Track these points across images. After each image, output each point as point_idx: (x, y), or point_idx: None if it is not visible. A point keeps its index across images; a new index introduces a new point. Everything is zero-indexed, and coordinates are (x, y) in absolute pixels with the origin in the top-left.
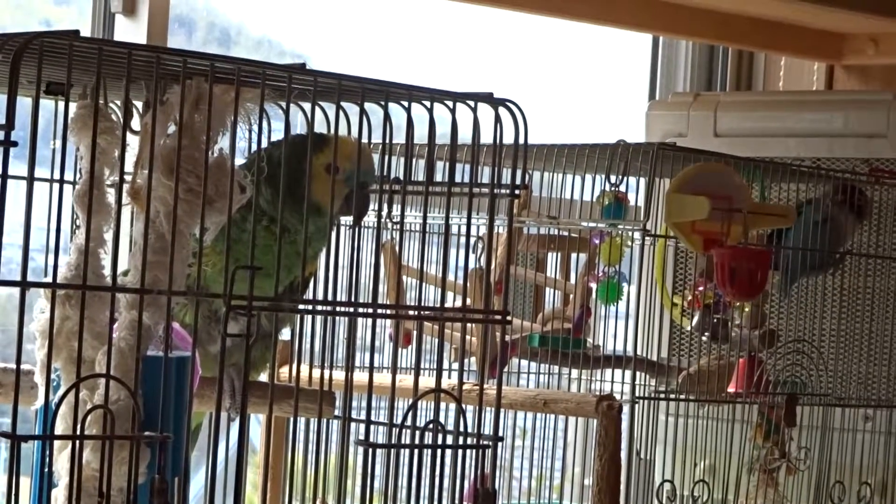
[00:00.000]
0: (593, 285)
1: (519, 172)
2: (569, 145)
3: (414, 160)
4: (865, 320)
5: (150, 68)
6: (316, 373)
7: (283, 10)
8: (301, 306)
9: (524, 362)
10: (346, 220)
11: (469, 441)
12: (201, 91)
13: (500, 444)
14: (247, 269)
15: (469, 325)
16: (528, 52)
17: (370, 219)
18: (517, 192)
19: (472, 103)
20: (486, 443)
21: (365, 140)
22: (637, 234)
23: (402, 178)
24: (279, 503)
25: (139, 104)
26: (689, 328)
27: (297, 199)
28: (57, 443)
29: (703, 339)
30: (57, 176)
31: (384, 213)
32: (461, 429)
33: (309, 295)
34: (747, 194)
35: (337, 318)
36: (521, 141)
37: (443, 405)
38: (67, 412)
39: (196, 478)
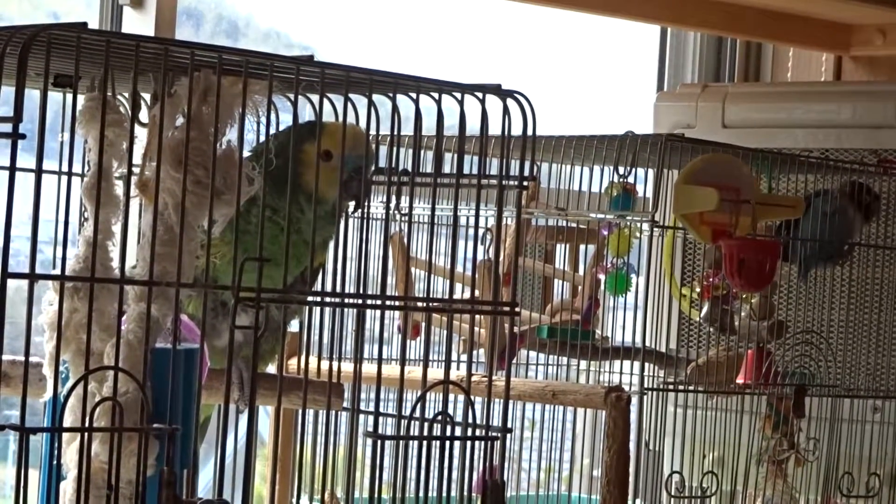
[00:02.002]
0: (602, 277)
1: (527, 164)
2: (577, 137)
3: (422, 152)
4: (874, 311)
5: (158, 60)
6: (325, 364)
7: (290, 3)
8: (310, 298)
9: (533, 354)
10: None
11: (478, 433)
12: (209, 83)
13: (508, 435)
14: (255, 261)
15: (478, 316)
16: (536, 43)
17: (379, 210)
18: (525, 183)
19: (480, 95)
20: (494, 434)
21: (373, 132)
22: (645, 226)
23: (410, 169)
24: (288, 495)
25: (147, 96)
26: (698, 319)
27: (290, 188)
28: (65, 435)
29: (711, 329)
30: (65, 168)
31: (392, 204)
32: (470, 420)
33: (318, 287)
34: (755, 185)
35: (345, 309)
36: (530, 132)
37: (451, 397)
38: (76, 404)
39: (205, 470)
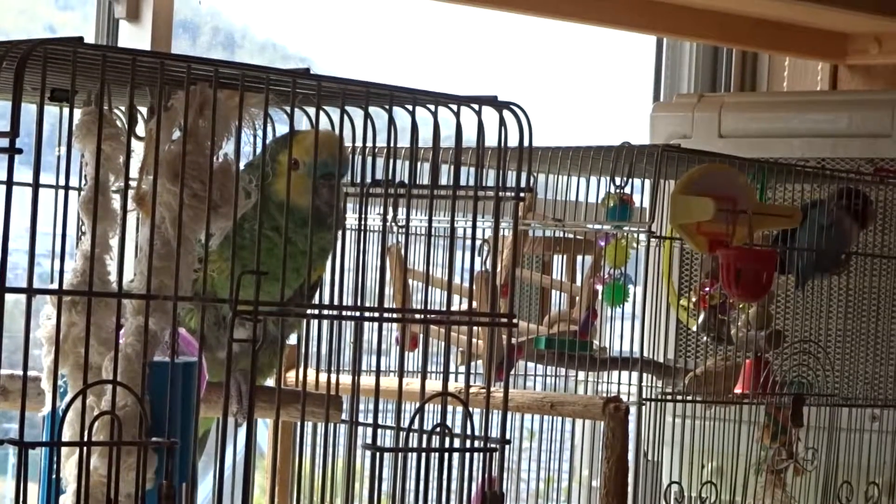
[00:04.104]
0: (599, 287)
1: (524, 175)
2: (573, 148)
3: (419, 164)
4: (871, 320)
5: (154, 74)
6: (323, 377)
7: (287, 14)
8: (307, 311)
9: (531, 365)
10: (353, 224)
11: (476, 444)
12: (205, 96)
13: (507, 446)
14: (252, 274)
15: (475, 328)
16: (532, 54)
17: (376, 223)
18: (522, 194)
19: (476, 107)
20: (493, 446)
21: (370, 144)
22: (642, 236)
23: (407, 181)
24: None
25: (143, 110)
26: (695, 328)
27: (264, 199)
28: (64, 449)
29: (706, 339)
30: (62, 182)
31: (390, 216)
32: (468, 432)
33: (315, 299)
34: (752, 195)
35: (343, 322)
36: (526, 144)
37: (450, 408)
38: (74, 418)
39: (204, 483)
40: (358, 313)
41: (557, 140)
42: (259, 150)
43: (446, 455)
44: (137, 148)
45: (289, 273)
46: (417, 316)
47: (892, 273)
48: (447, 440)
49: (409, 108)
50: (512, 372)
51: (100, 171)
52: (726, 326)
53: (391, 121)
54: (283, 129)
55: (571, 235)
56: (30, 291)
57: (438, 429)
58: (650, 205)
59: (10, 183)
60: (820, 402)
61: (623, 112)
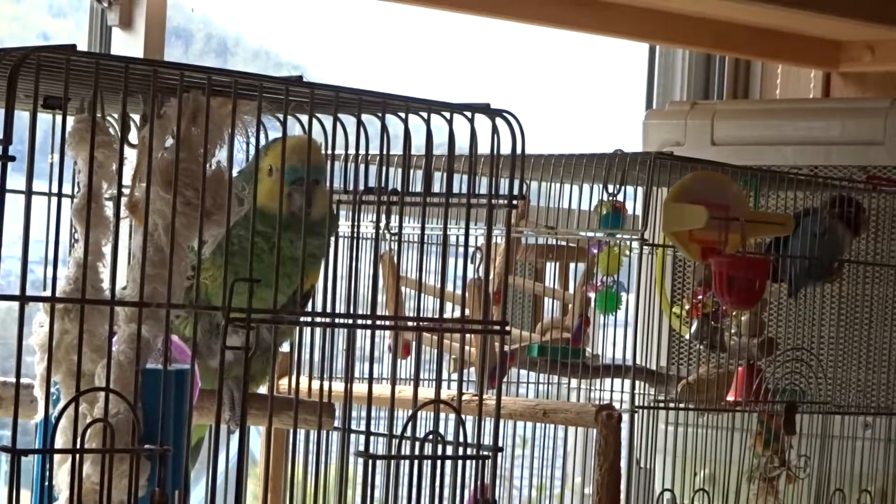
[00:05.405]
0: (592, 295)
1: (516, 183)
2: (566, 155)
3: (412, 171)
4: (864, 328)
5: (147, 82)
6: (315, 384)
7: (280, 21)
8: (300, 318)
9: (523, 372)
10: (345, 231)
11: (469, 451)
12: (199, 104)
13: (499, 454)
14: (245, 282)
15: (468, 335)
16: (525, 62)
17: (368, 230)
18: (515, 202)
19: (469, 114)
20: (485, 453)
21: (363, 151)
22: (635, 244)
23: (399, 189)
24: None
25: (136, 117)
26: (687, 336)
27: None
28: (57, 456)
29: (700, 347)
30: (55, 189)
31: (382, 224)
32: (461, 439)
33: (308, 307)
34: (745, 203)
35: (336, 329)
36: (519, 151)
37: (442, 416)
38: (67, 426)
39: (196, 490)
40: (350, 321)
41: (550, 147)
42: (252, 157)
43: (439, 462)
44: (130, 155)
45: (281, 279)
46: (410, 323)
47: (885, 281)
48: (440, 447)
49: (402, 115)
50: (504, 379)
51: (93, 178)
52: (719, 334)
53: (384, 128)
54: (276, 136)
55: (564, 243)
56: (22, 299)
57: (431, 436)
58: (643, 212)
59: (2, 190)
60: (812, 409)
61: (616, 119)
